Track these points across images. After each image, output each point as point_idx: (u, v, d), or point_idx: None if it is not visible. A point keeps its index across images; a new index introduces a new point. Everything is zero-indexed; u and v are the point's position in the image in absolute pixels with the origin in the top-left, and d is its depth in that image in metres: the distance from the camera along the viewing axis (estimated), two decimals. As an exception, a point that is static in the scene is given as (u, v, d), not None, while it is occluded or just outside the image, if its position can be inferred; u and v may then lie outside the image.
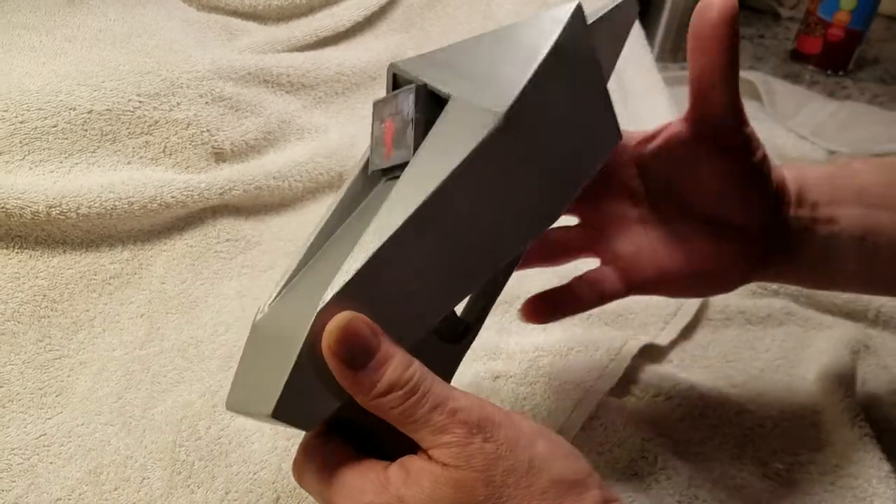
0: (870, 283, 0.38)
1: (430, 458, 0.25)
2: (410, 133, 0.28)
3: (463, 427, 0.25)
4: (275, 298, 0.29)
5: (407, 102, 0.28)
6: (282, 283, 0.29)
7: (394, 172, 0.30)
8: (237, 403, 0.27)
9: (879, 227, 0.35)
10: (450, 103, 0.27)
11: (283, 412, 0.25)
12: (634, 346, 0.49)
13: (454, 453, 0.25)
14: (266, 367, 0.26)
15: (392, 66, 0.31)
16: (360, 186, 0.31)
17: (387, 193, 0.26)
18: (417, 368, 0.26)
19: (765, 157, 0.34)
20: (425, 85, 0.28)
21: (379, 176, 0.31)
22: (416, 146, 0.27)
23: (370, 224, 0.25)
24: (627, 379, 0.48)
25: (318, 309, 0.24)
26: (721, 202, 0.35)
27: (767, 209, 0.34)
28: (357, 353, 0.25)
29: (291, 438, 0.43)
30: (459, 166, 0.26)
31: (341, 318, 0.24)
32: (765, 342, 0.52)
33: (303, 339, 0.24)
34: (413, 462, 0.26)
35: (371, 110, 0.31)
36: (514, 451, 0.25)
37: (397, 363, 0.25)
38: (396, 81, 0.31)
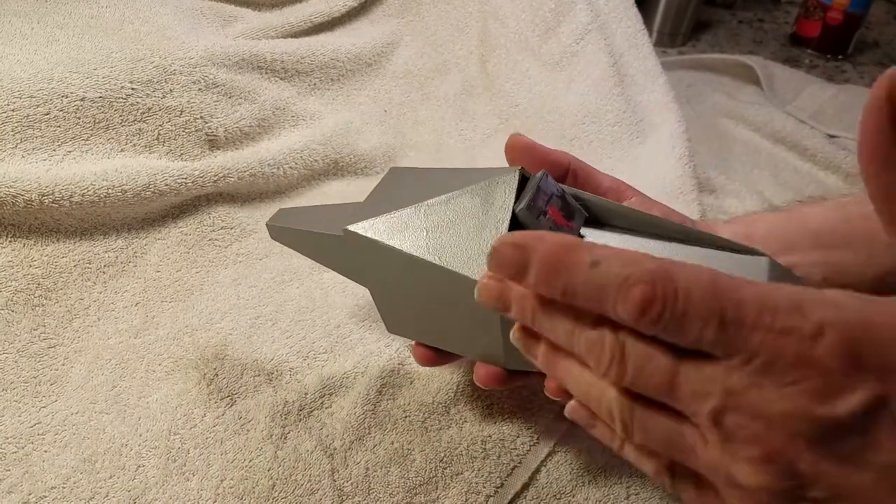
0: None
1: None
2: (575, 204, 0.34)
3: None
4: None
5: (548, 183, 0.33)
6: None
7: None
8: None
9: (842, 266, 0.35)
10: None
11: None
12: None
13: None
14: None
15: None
16: None
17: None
18: None
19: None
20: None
21: None
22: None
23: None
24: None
25: None
26: None
27: None
28: None
29: (288, 426, 0.43)
30: None
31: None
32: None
33: None
34: None
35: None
36: None
37: None
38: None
